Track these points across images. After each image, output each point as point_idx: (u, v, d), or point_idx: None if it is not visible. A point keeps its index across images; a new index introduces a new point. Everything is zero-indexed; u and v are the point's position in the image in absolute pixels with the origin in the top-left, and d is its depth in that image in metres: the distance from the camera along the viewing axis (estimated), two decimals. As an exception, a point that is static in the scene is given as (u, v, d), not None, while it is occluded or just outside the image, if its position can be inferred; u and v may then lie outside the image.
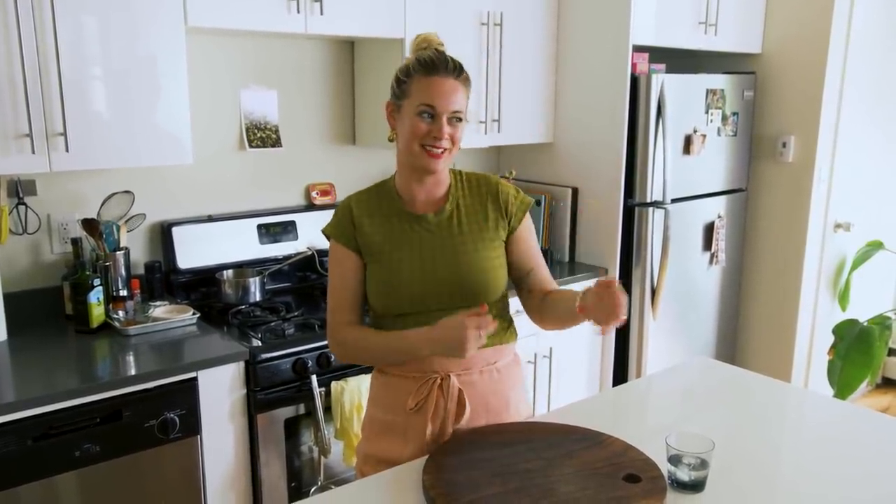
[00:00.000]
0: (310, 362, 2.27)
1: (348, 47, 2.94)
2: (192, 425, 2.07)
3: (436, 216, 1.57)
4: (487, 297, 1.56)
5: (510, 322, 1.65)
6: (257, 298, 2.58)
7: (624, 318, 1.37)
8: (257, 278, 2.59)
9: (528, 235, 1.65)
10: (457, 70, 1.50)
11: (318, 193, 2.94)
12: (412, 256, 1.54)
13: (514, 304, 1.67)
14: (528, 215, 1.64)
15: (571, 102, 3.18)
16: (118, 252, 2.38)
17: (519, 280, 1.66)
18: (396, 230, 1.56)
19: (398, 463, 1.50)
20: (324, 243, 2.87)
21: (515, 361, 1.67)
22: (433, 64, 1.49)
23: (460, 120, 1.51)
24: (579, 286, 2.98)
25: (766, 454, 1.50)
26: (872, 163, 3.80)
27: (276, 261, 2.75)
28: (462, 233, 1.57)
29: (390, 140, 1.59)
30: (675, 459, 1.32)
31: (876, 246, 3.76)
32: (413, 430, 1.53)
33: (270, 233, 2.76)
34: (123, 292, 2.37)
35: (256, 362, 2.17)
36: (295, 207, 2.89)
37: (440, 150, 1.49)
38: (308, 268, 2.85)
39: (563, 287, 1.66)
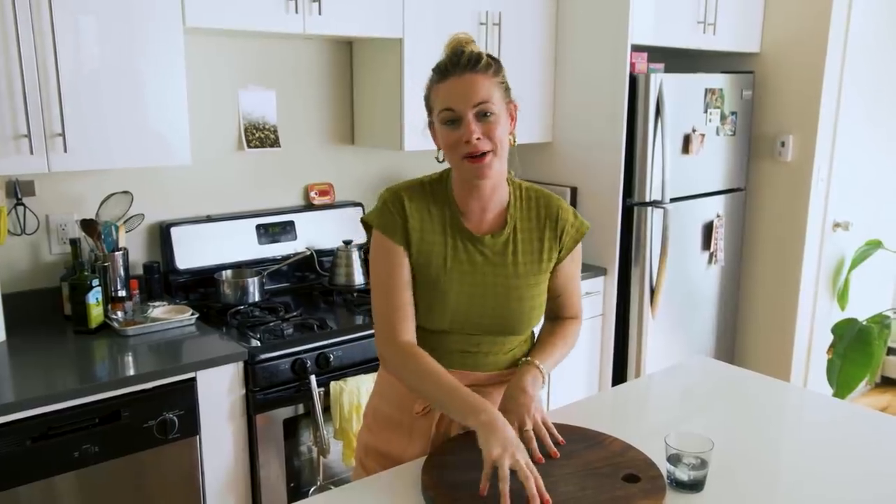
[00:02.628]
0: (309, 362, 2.26)
1: (346, 47, 2.94)
2: (191, 426, 2.07)
3: (492, 238, 1.48)
4: (527, 329, 1.54)
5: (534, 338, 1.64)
6: (256, 299, 2.57)
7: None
8: (256, 278, 2.59)
9: (571, 264, 1.57)
10: (471, 63, 1.38)
11: (316, 193, 2.94)
12: (462, 280, 1.46)
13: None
14: (579, 243, 1.56)
15: (570, 102, 3.18)
16: (117, 252, 2.37)
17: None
18: (450, 246, 1.46)
19: (401, 460, 1.50)
20: (323, 243, 2.91)
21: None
22: (444, 67, 1.40)
23: (490, 113, 1.38)
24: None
25: (766, 454, 1.50)
26: (871, 162, 3.80)
27: (274, 261, 2.75)
28: (516, 262, 1.49)
29: (438, 160, 1.48)
30: (674, 459, 1.32)
31: (875, 245, 3.76)
32: (418, 431, 1.52)
33: (269, 233, 2.76)
34: (122, 293, 2.37)
35: (255, 362, 2.17)
36: (294, 207, 2.89)
37: (481, 154, 1.38)
38: (307, 268, 2.85)
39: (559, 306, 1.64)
